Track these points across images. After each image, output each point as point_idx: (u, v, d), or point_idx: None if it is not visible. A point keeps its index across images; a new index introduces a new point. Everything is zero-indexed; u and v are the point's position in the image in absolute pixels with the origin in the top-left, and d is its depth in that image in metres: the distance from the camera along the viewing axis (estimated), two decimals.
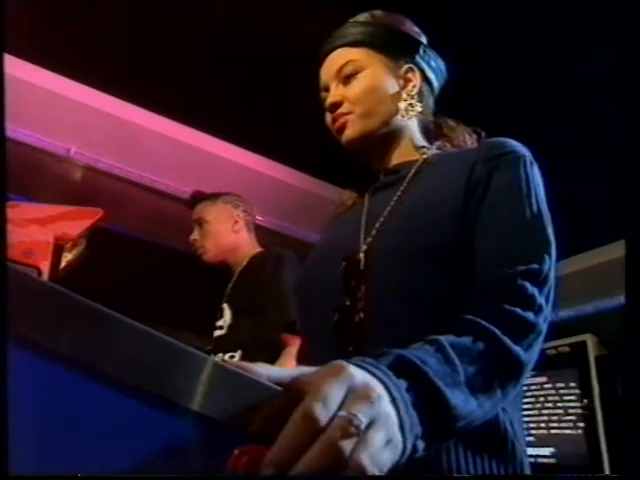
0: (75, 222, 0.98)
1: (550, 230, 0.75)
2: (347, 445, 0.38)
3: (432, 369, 0.53)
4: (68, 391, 0.36)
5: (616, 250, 2.64)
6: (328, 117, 0.96)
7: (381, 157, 0.96)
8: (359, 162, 1.00)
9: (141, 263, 2.69)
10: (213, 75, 2.27)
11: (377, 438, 0.41)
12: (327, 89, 0.96)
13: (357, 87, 0.92)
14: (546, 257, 0.71)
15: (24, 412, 0.34)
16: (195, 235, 1.94)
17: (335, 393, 0.41)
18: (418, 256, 0.76)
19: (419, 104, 0.93)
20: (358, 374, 0.44)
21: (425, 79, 0.97)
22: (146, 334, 0.38)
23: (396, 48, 0.95)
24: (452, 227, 0.76)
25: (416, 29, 0.99)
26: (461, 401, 0.55)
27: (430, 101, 0.99)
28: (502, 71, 2.04)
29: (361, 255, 0.81)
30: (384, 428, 0.42)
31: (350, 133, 0.92)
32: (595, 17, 1.79)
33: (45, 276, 0.85)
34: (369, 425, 0.41)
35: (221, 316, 1.84)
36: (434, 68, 0.99)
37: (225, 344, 1.77)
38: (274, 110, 2.36)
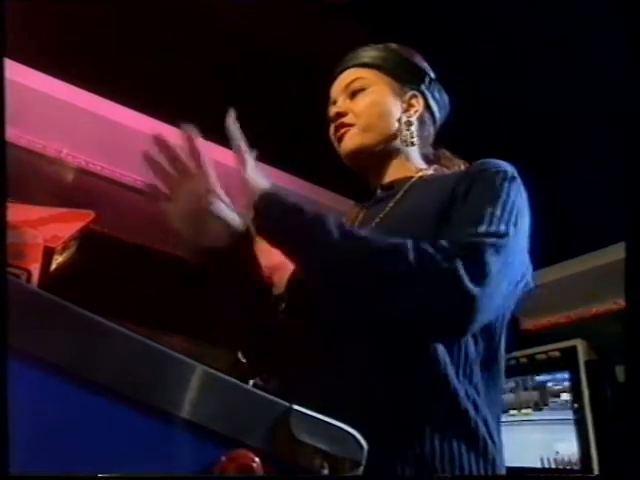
0: (66, 224, 0.97)
1: (521, 237, 0.78)
2: None
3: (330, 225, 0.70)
4: (60, 398, 0.36)
5: (607, 255, 2.66)
6: (331, 128, 1.00)
7: (378, 174, 1.00)
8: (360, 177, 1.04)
9: (132, 266, 2.68)
10: (208, 78, 2.27)
11: None
12: (335, 102, 1.01)
13: (362, 101, 0.97)
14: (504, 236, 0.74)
15: (20, 417, 0.34)
16: None
17: None
18: None
19: (416, 131, 0.98)
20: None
21: (427, 108, 1.01)
22: (135, 341, 0.38)
23: (404, 74, 1.00)
24: (434, 230, 0.79)
25: (425, 63, 1.04)
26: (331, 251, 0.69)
27: (430, 130, 1.03)
28: (497, 76, 2.06)
29: None
30: None
31: (348, 145, 0.96)
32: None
33: (35, 279, 0.84)
34: None
35: None
36: (437, 100, 1.03)
37: None
38: (270, 115, 2.36)
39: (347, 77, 1.00)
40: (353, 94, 0.98)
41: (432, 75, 1.03)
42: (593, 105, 2.01)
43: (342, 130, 0.96)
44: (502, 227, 0.74)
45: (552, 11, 1.84)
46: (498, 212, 0.75)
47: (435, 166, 1.02)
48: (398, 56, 1.01)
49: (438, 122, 1.05)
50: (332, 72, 1.04)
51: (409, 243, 0.69)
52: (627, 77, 0.58)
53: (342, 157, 0.98)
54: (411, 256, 0.67)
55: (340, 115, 0.97)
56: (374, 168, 1.00)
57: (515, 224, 0.76)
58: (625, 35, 0.57)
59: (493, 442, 0.76)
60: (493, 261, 0.70)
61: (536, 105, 2.15)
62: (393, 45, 1.03)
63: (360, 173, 1.02)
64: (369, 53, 1.01)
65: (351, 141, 0.95)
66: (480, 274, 0.68)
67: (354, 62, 1.01)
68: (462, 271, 0.66)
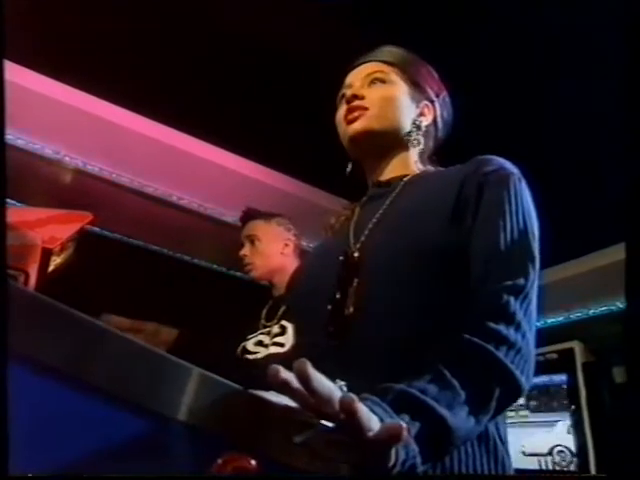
0: (64, 226, 0.97)
1: (535, 245, 0.78)
2: None
3: (433, 397, 0.57)
4: (59, 400, 0.36)
5: (605, 257, 2.66)
6: (342, 109, 1.00)
7: (376, 167, 1.01)
8: (357, 173, 1.04)
9: (130, 267, 2.67)
10: (205, 79, 2.27)
11: None
12: (351, 86, 1.01)
13: (380, 91, 0.98)
14: (530, 272, 0.75)
15: (20, 419, 0.34)
16: (245, 251, 1.97)
17: None
18: (405, 257, 0.80)
19: (422, 137, 1.00)
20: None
21: (434, 122, 1.04)
22: (131, 344, 0.38)
23: (423, 85, 1.03)
24: (440, 234, 0.80)
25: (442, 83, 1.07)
26: (462, 421, 0.59)
27: (430, 144, 1.05)
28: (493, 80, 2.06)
29: (354, 255, 0.87)
30: None
31: (360, 126, 0.96)
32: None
33: (33, 280, 0.84)
34: None
35: (282, 333, 1.85)
36: (445, 119, 1.06)
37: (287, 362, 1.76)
38: (267, 115, 2.36)
39: (370, 67, 1.01)
40: (372, 82, 0.99)
41: (446, 95, 1.07)
42: (593, 105, 2.02)
43: (356, 113, 0.96)
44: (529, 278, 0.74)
45: (552, 11, 1.84)
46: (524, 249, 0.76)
47: (429, 166, 1.03)
48: (422, 67, 1.05)
49: (438, 139, 1.06)
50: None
51: (497, 379, 0.65)
52: (627, 77, 0.58)
53: (347, 140, 0.98)
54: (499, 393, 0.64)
55: (356, 97, 0.97)
56: (375, 157, 1.00)
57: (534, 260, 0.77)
58: (625, 35, 0.58)
59: (502, 442, 0.77)
60: (522, 316, 0.71)
61: (536, 105, 2.16)
62: (416, 56, 1.06)
63: (359, 160, 1.02)
64: (395, 53, 1.03)
65: (364, 123, 0.95)
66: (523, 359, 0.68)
67: (379, 57, 1.02)
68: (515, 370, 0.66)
